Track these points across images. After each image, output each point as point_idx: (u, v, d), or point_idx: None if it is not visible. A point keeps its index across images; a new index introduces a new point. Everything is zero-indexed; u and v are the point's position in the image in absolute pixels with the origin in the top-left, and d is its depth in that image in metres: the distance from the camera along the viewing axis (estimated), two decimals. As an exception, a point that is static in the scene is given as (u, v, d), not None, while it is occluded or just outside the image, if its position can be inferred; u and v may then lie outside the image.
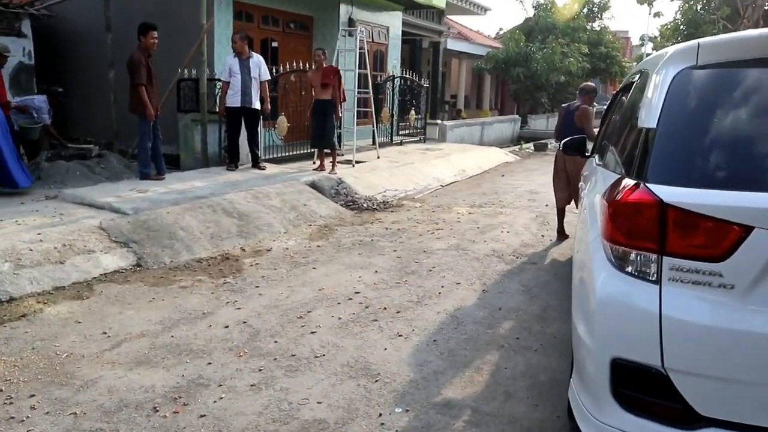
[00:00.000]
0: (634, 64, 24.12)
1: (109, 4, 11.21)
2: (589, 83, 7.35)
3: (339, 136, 11.45)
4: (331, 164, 9.65)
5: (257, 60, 9.10)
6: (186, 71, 9.81)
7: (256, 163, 9.41)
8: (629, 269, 2.24)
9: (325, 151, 9.80)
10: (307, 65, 10.61)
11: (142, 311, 4.48)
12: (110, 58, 11.25)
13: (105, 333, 4.06)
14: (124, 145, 11.12)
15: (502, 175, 12.21)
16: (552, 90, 24.31)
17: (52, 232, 5.58)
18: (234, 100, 8.91)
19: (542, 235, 7.08)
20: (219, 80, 9.66)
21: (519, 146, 18.42)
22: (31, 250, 5.16)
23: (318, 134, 9.61)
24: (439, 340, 4.06)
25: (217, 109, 9.48)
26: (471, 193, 9.98)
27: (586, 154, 4.97)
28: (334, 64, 10.49)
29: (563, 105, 7.27)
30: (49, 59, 12.38)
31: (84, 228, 5.79)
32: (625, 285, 2.24)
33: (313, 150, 10.31)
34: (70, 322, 4.25)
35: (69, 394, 3.25)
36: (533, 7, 27.27)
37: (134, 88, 8.05)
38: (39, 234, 5.50)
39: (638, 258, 2.21)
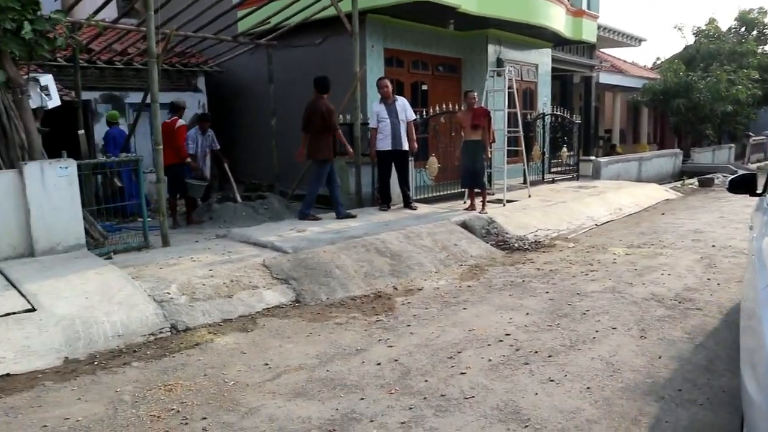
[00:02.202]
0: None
1: (272, 58, 12.16)
2: None
3: (489, 176, 11.46)
4: (481, 204, 9.65)
5: (402, 103, 9.40)
6: (341, 116, 10.34)
7: (408, 204, 9.62)
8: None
9: (476, 190, 9.84)
10: (457, 106, 10.77)
11: (300, 345, 4.72)
12: (272, 107, 12.15)
13: (267, 364, 4.32)
14: (284, 186, 11.89)
15: (663, 213, 11.50)
16: (718, 121, 22.66)
17: (222, 269, 6.07)
18: (385, 143, 9.26)
19: (708, 279, 6.55)
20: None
21: (681, 182, 17.29)
22: (203, 284, 5.65)
23: (468, 174, 9.69)
24: (593, 387, 3.88)
25: (369, 153, 9.87)
26: (628, 232, 9.50)
27: (758, 192, 4.56)
28: (483, 105, 10.57)
29: None
30: (220, 110, 13.62)
31: (249, 265, 6.24)
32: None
33: (463, 190, 10.39)
34: (236, 352, 4.58)
35: (236, 419, 3.49)
36: (693, 34, 25.82)
37: (326, 134, 8.66)
38: (210, 270, 6.01)
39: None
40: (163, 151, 8.37)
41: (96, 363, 4.38)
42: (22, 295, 5.10)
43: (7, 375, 4.12)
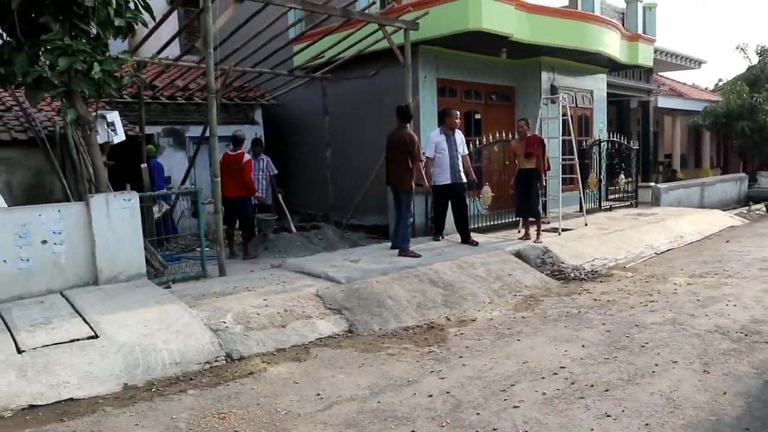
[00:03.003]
0: None
1: (326, 91, 12.42)
2: None
3: (544, 204, 11.32)
4: (536, 233, 9.53)
5: (460, 135, 9.24)
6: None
7: (467, 241, 9.15)
8: None
9: (530, 219, 9.73)
10: (510, 135, 10.72)
11: (352, 376, 4.73)
12: (327, 139, 12.37)
13: (318, 394, 4.34)
14: (338, 217, 12.02)
15: (727, 241, 11.08)
16: (786, 143, 21.83)
17: (276, 298, 6.16)
18: (443, 177, 8.99)
19: (778, 310, 6.27)
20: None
21: (747, 208, 16.63)
22: (258, 314, 5.75)
23: (522, 203, 9.62)
24: (653, 424, 3.74)
25: (422, 184, 9.44)
26: (690, 261, 9.19)
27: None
28: (537, 132, 10.50)
29: None
30: (276, 142, 13.94)
31: (303, 295, 6.32)
32: None
33: (517, 219, 10.29)
34: (289, 382, 4.63)
35: (287, 452, 3.52)
36: (758, 53, 25.00)
37: (409, 164, 8.39)
38: (265, 300, 6.11)
39: None
40: (228, 183, 8.64)
41: (153, 390, 4.50)
42: (86, 322, 5.30)
43: (71, 399, 4.28)
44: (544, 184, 10.05)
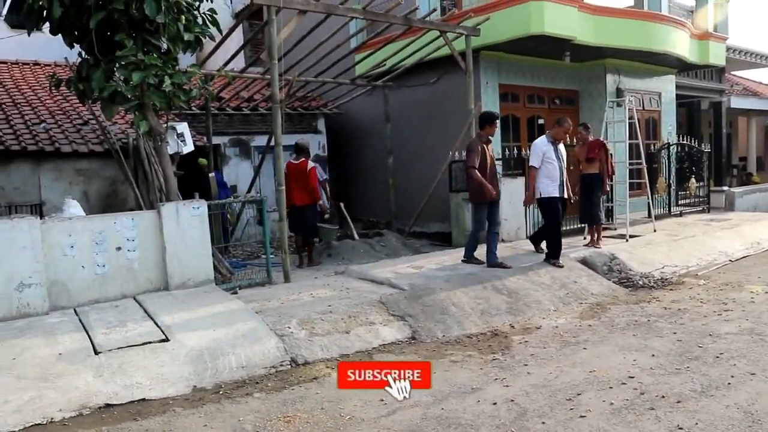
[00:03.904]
0: None
1: (388, 99, 12.50)
2: None
3: (611, 210, 11.05)
4: (596, 238, 9.30)
5: (562, 146, 8.39)
6: (456, 153, 10.39)
7: (551, 258, 8.16)
8: None
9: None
10: (575, 140, 10.53)
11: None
12: (389, 146, 12.44)
13: (382, 400, 4.35)
14: (401, 224, 12.06)
15: (809, 248, 10.54)
16: None
17: (340, 305, 6.23)
18: (553, 189, 8.04)
19: None
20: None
21: (830, 212, 15.78)
22: (322, 320, 5.82)
23: (586, 209, 9.40)
24: (731, 437, 3.59)
25: (524, 198, 8.97)
26: (767, 269, 8.78)
27: None
28: (602, 136, 10.27)
29: None
30: (338, 151, 14.12)
31: (366, 301, 6.37)
32: None
33: (582, 225, 10.08)
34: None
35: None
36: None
37: (467, 172, 7.98)
38: (329, 306, 6.19)
39: None
40: (294, 191, 8.86)
41: (221, 392, 4.62)
42: (158, 326, 5.50)
43: (143, 400, 4.44)
44: (608, 189, 9.79)
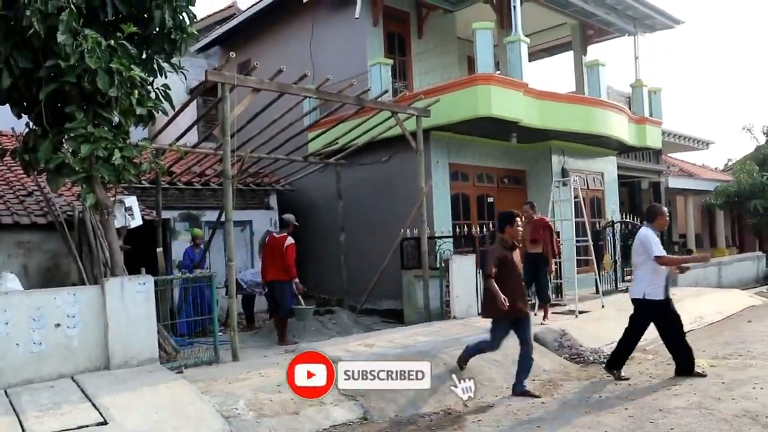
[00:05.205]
0: None
1: (340, 176, 12.63)
2: None
3: (560, 286, 11.22)
4: (543, 315, 9.40)
5: None
6: (408, 231, 10.47)
7: (690, 371, 6.89)
8: None
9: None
10: (524, 218, 10.76)
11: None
12: (341, 223, 12.48)
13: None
14: (353, 301, 11.95)
15: (749, 321, 10.83)
16: (802, 221, 21.76)
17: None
18: (658, 292, 6.88)
19: (808, 394, 6.04)
20: (439, 237, 10.06)
21: (767, 287, 16.39)
22: (271, 400, 5.62)
23: (536, 288, 9.53)
24: None
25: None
26: (711, 342, 8.95)
27: None
28: (549, 215, 10.53)
29: None
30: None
31: (317, 380, 6.18)
32: None
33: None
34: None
35: None
36: (764, 133, 25.36)
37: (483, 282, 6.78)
38: (278, 386, 5.98)
39: None
40: (268, 266, 9.04)
41: (163, 481, 4.35)
42: (96, 408, 5.20)
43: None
44: (552, 269, 9.92)
